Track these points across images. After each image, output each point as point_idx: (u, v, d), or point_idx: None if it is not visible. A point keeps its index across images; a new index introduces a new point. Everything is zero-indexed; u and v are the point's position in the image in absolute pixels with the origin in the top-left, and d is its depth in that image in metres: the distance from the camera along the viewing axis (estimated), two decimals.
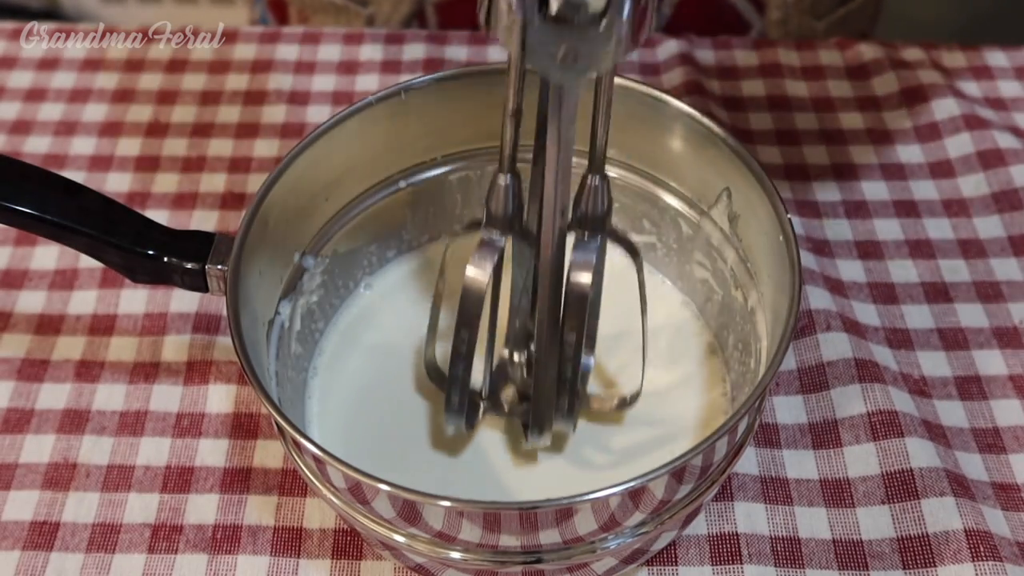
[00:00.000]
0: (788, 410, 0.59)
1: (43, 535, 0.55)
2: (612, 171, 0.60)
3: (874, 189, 0.70)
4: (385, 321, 0.61)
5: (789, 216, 0.50)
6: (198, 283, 0.52)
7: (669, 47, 0.79)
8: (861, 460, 0.56)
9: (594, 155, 0.49)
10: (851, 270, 0.66)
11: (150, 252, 0.52)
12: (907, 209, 0.69)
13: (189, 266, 0.52)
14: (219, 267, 0.51)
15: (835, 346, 0.60)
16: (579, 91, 0.43)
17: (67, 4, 1.57)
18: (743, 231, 0.55)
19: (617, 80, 0.55)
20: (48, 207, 0.51)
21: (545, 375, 0.51)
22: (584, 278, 0.50)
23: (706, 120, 0.54)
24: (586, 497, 0.43)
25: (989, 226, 0.68)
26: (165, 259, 0.52)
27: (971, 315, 0.63)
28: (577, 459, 0.55)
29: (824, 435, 0.58)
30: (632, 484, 0.44)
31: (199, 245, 0.52)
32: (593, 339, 0.55)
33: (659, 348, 0.59)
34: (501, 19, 0.40)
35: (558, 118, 0.44)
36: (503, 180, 0.48)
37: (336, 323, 0.60)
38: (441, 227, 0.63)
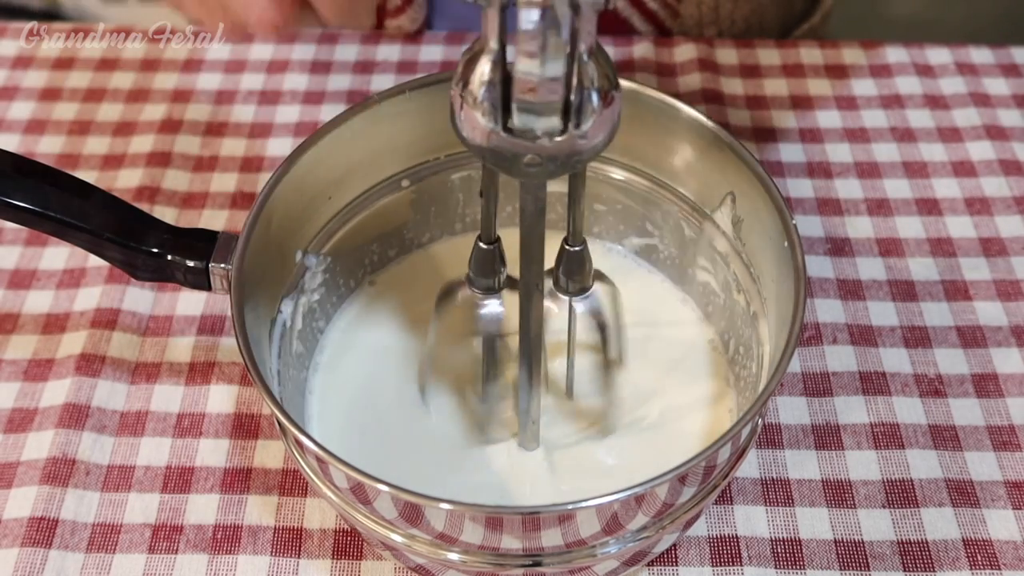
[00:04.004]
0: (791, 411, 0.58)
1: (41, 531, 0.53)
2: (615, 173, 0.58)
3: (896, 187, 0.69)
4: (386, 320, 0.59)
5: (794, 222, 0.49)
6: (201, 281, 0.50)
7: (687, 49, 0.77)
8: (863, 465, 0.55)
9: (571, 231, 0.48)
10: (871, 268, 0.64)
11: (153, 250, 0.50)
12: (929, 207, 0.68)
13: (192, 264, 0.50)
14: (222, 266, 0.49)
15: (841, 359, 0.59)
16: (544, 191, 0.43)
17: (67, 4, 1.54)
18: (747, 235, 0.54)
19: (624, 83, 0.53)
20: (49, 203, 0.49)
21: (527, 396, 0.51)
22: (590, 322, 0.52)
23: (712, 124, 0.53)
24: (588, 503, 0.42)
25: (1011, 225, 0.67)
26: (168, 257, 0.50)
27: (990, 313, 0.62)
28: (579, 461, 0.53)
29: (826, 437, 0.57)
30: (634, 490, 0.42)
31: (202, 243, 0.50)
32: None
33: (661, 348, 0.58)
34: (468, 128, 0.40)
35: (527, 212, 0.43)
36: (483, 246, 0.49)
37: (338, 321, 0.59)
38: (443, 226, 0.62)
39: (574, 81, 0.38)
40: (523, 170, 0.40)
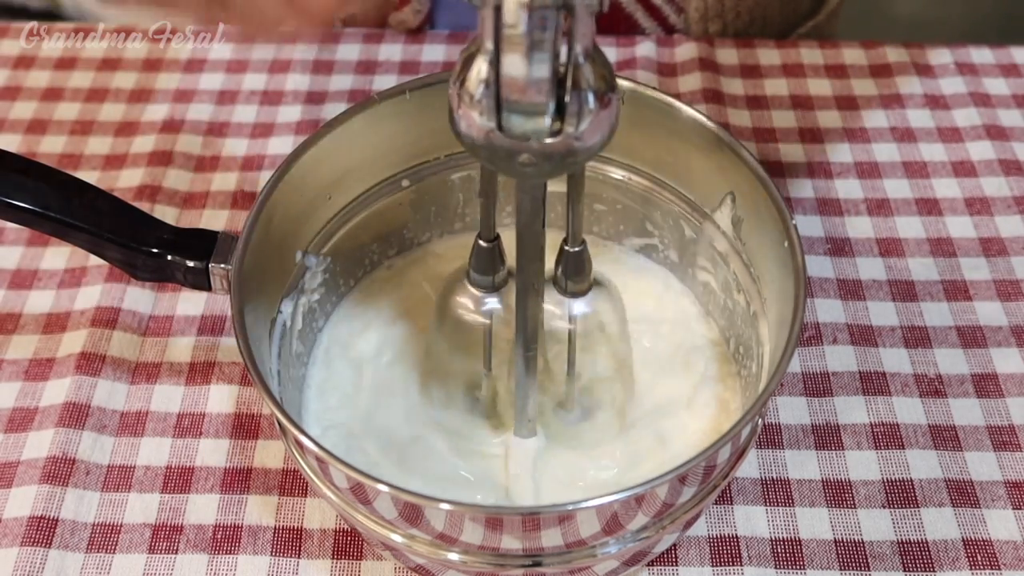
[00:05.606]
0: (791, 411, 0.57)
1: (41, 531, 0.52)
2: (615, 173, 0.58)
3: (896, 187, 0.68)
4: (386, 317, 0.59)
5: (794, 222, 0.48)
6: (201, 281, 0.50)
7: (688, 48, 0.77)
8: (863, 465, 0.55)
9: (571, 232, 0.48)
10: (871, 268, 0.64)
11: (153, 250, 0.50)
12: (929, 207, 0.67)
13: (192, 264, 0.50)
14: (222, 266, 0.49)
15: (840, 359, 0.59)
16: (541, 190, 0.43)
17: (67, 4, 1.54)
18: (747, 235, 0.53)
19: (624, 83, 0.53)
20: (49, 203, 0.49)
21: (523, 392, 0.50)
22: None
23: (712, 124, 0.52)
24: (588, 503, 0.42)
25: (1011, 225, 0.66)
26: (168, 257, 0.50)
27: (990, 313, 0.62)
28: (580, 461, 0.53)
29: (827, 437, 0.56)
30: (634, 490, 0.42)
31: (202, 243, 0.50)
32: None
33: (661, 349, 0.57)
34: (465, 126, 0.40)
35: (523, 211, 0.43)
36: (483, 245, 0.49)
37: (337, 316, 0.58)
38: (443, 226, 0.61)
39: (569, 83, 0.38)
40: (519, 169, 0.40)
